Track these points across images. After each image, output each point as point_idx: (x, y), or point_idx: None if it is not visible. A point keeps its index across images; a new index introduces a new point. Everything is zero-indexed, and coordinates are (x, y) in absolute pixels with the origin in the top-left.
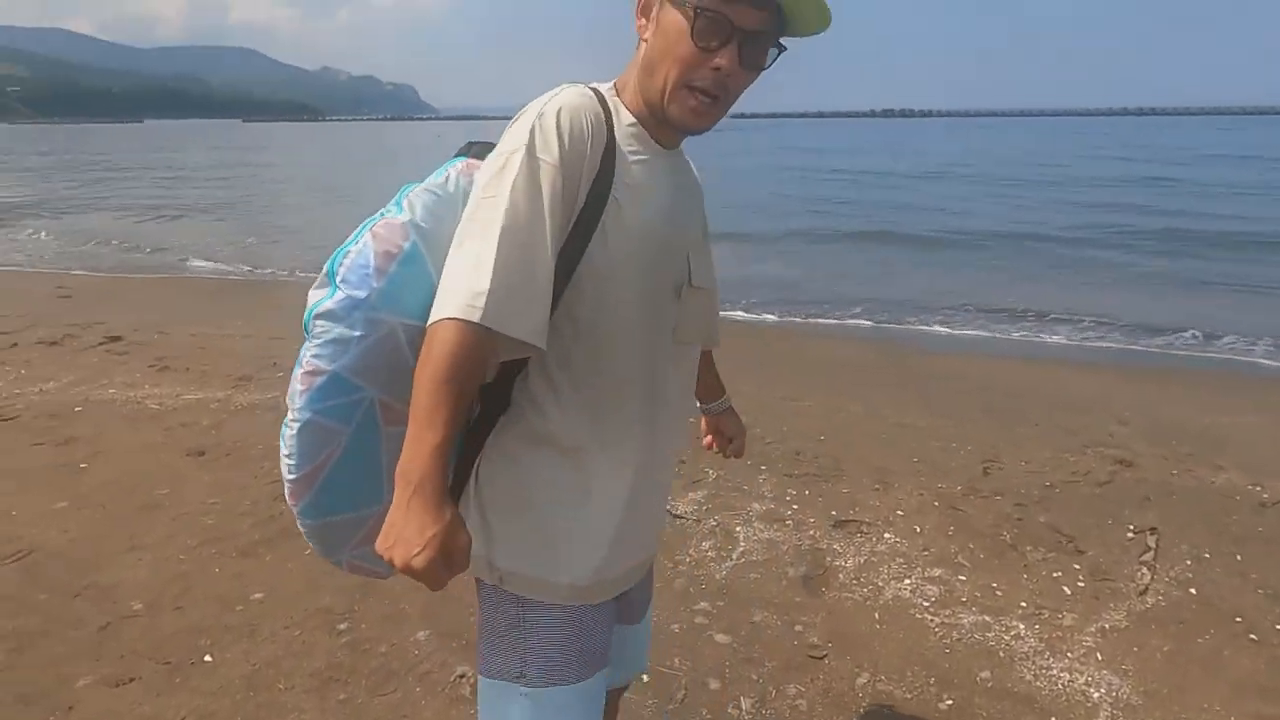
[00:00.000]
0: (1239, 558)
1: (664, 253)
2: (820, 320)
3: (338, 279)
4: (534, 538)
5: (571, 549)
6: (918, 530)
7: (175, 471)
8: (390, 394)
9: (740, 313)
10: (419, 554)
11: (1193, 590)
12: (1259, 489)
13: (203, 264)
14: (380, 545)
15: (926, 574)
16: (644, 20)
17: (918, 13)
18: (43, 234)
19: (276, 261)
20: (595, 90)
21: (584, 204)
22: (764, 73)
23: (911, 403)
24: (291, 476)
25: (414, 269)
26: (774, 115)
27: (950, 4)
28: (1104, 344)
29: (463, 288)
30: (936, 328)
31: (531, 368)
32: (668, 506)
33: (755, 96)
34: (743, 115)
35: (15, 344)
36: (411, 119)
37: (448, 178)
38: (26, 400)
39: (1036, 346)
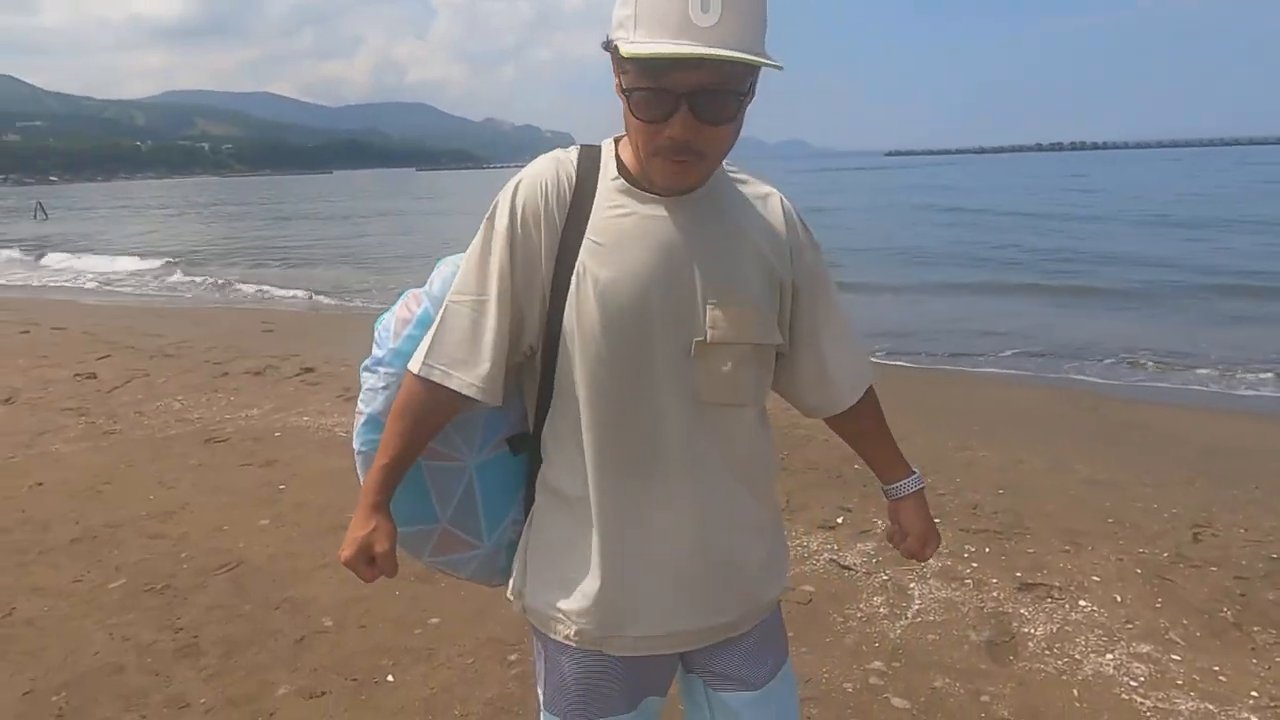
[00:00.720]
0: None
1: (656, 307)
2: (994, 370)
3: (375, 339)
4: (548, 577)
5: (575, 595)
6: (1118, 599)
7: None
8: None
9: (902, 361)
10: (345, 551)
11: None
12: None
13: (381, 305)
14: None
15: (1132, 649)
16: (616, 81)
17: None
18: (235, 277)
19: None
20: (589, 148)
21: (554, 266)
22: (744, 114)
23: (1103, 457)
24: None
25: (423, 330)
26: (942, 152)
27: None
28: None
29: (422, 345)
30: (1124, 375)
31: (546, 420)
32: (833, 557)
33: (913, 135)
34: (910, 153)
35: (226, 373)
36: None
37: None
38: (235, 424)
39: (1249, 400)
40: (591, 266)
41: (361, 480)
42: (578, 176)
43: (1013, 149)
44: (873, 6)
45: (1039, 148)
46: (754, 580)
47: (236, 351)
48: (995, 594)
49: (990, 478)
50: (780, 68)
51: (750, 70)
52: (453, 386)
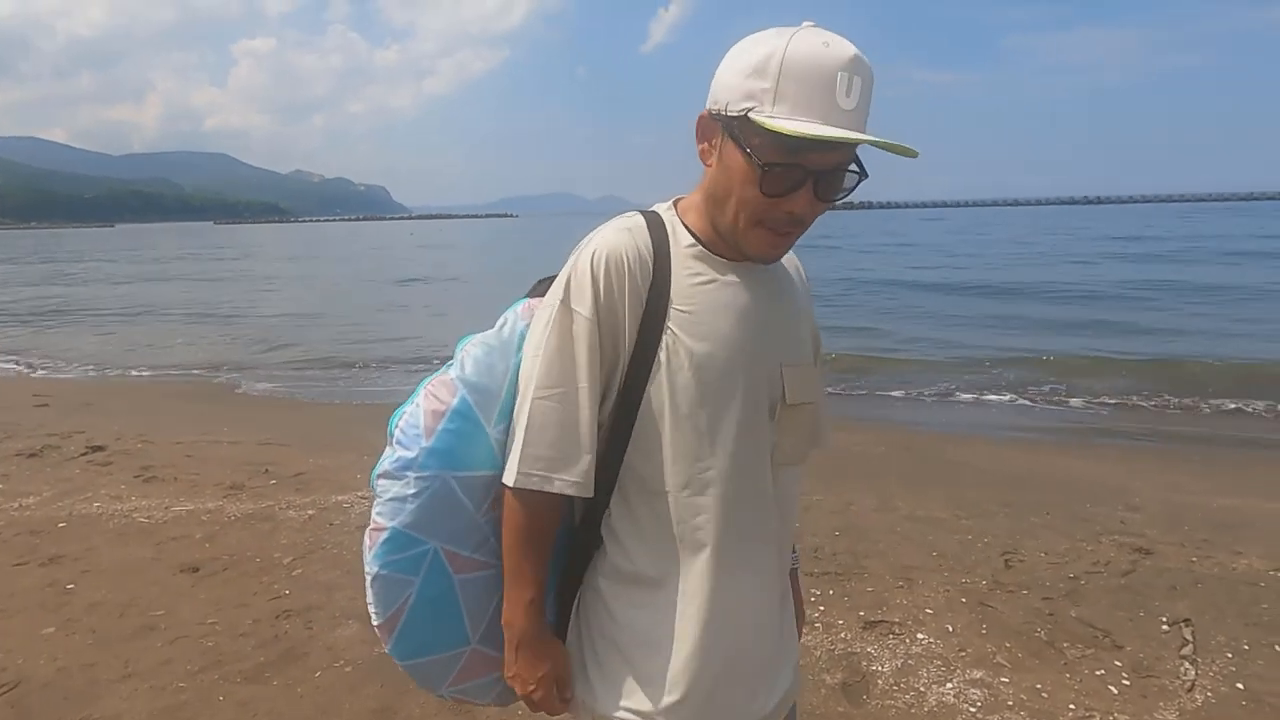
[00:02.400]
0: (1279, 648)
1: (741, 375)
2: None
3: (394, 439)
4: (626, 676)
5: (666, 692)
6: (950, 629)
7: (169, 590)
8: (453, 544)
9: None
10: (535, 690)
11: (1239, 685)
12: None
13: (180, 371)
14: (506, 675)
15: (968, 676)
16: (706, 145)
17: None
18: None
19: (254, 363)
20: (649, 215)
21: (635, 344)
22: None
23: (922, 493)
24: (376, 622)
25: (463, 423)
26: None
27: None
28: (1104, 425)
29: (512, 453)
30: (935, 414)
31: (614, 505)
32: None
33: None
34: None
35: None
36: (384, 218)
37: (504, 323)
38: (7, 516)
39: (1032, 432)
40: (682, 336)
41: (374, 610)
42: (654, 244)
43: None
44: (690, 73)
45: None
46: (794, 642)
47: (5, 431)
48: (844, 634)
49: (827, 521)
50: (915, 154)
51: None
52: (557, 490)
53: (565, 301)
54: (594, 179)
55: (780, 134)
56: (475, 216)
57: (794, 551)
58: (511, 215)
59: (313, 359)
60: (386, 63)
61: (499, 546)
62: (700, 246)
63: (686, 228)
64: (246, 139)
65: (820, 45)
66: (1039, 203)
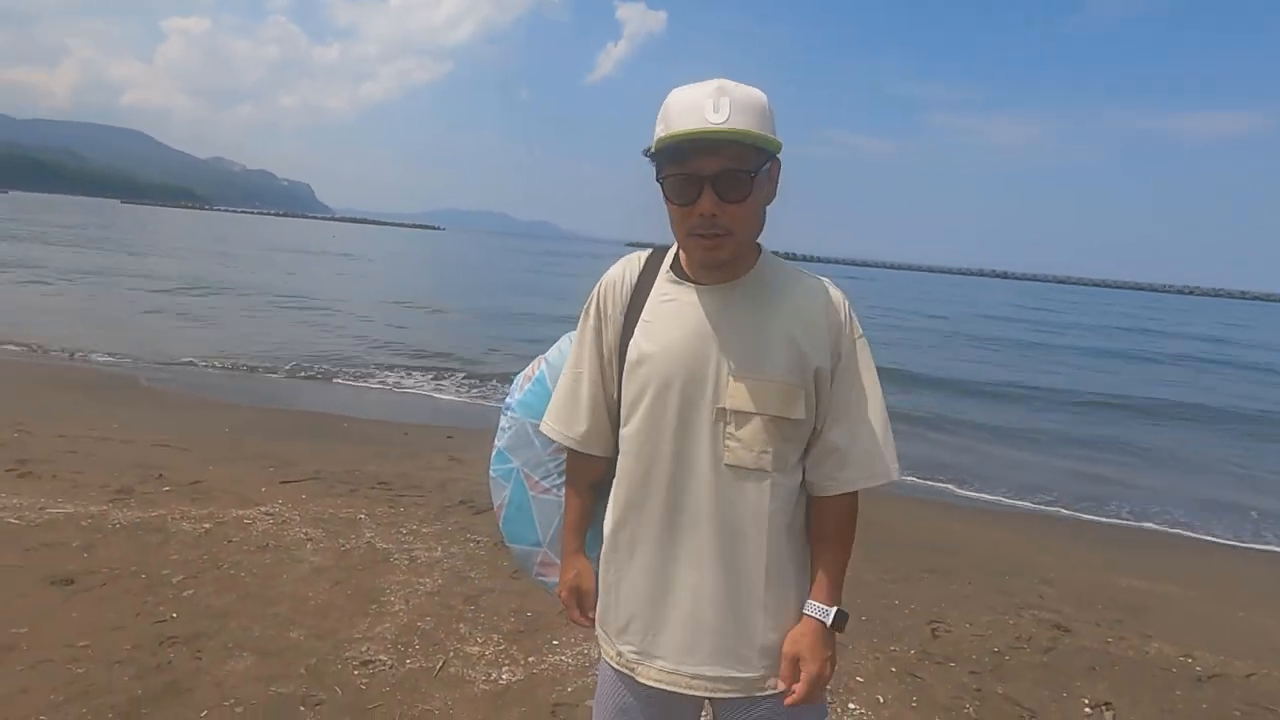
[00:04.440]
0: None
1: (680, 375)
2: None
3: (510, 388)
4: (603, 604)
5: (617, 622)
6: (880, 700)
7: (35, 604)
8: (529, 467)
9: None
10: (561, 591)
11: None
12: (1191, 660)
13: (68, 352)
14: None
15: None
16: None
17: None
18: None
19: (160, 351)
20: (657, 250)
21: (618, 346)
22: (769, 189)
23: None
24: (494, 508)
25: (540, 388)
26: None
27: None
28: (1020, 501)
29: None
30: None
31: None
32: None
33: (658, 229)
34: (652, 245)
35: None
36: (305, 216)
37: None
38: None
39: (957, 499)
40: (639, 341)
41: (492, 495)
42: (641, 272)
43: None
44: (632, 109)
45: None
46: (777, 643)
47: None
48: None
49: None
50: (777, 144)
51: (760, 156)
52: (557, 438)
53: (585, 309)
54: (527, 202)
55: (662, 146)
56: (401, 225)
57: (827, 605)
58: (438, 228)
59: (220, 354)
60: (326, 60)
61: (560, 481)
62: (673, 273)
63: (676, 258)
64: (166, 119)
65: (696, 85)
66: (946, 270)
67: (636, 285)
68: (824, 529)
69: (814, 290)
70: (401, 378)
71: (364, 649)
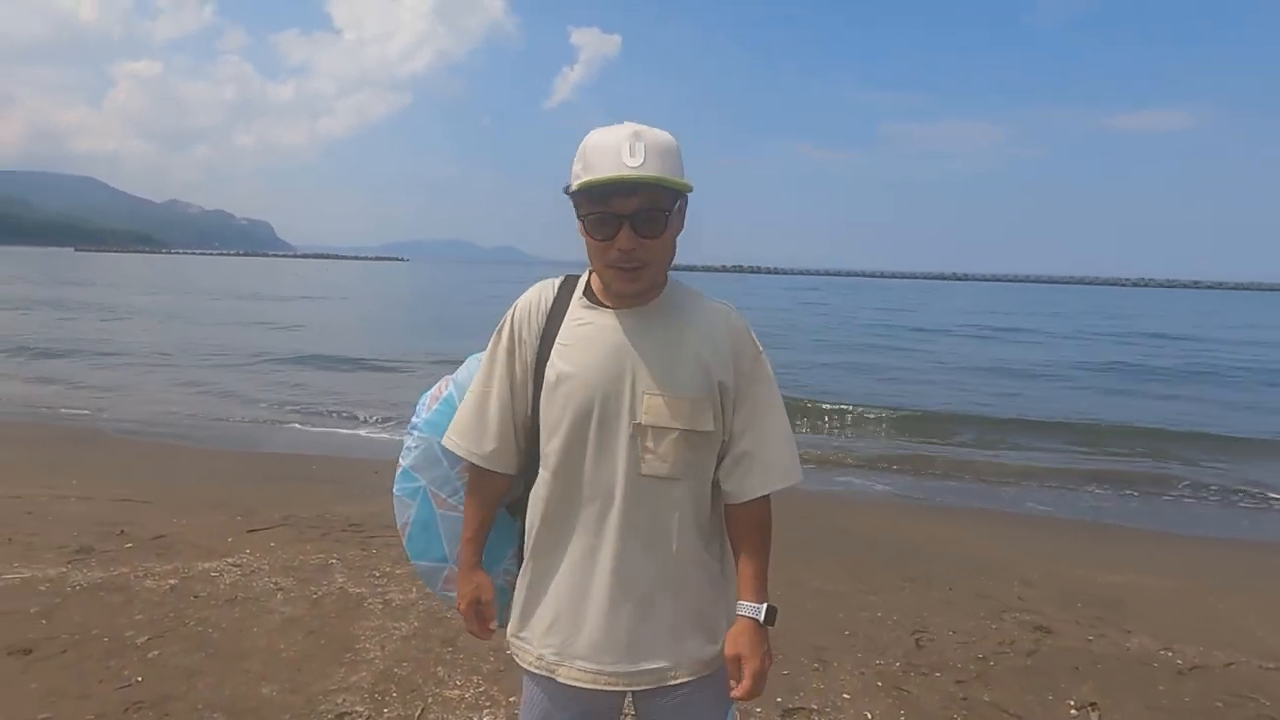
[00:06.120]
0: None
1: (597, 394)
2: None
3: (415, 408)
4: (521, 614)
5: (534, 628)
6: (869, 717)
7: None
8: (435, 485)
9: None
10: (461, 605)
11: None
12: (1171, 654)
13: (21, 408)
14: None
15: None
16: (578, 223)
17: None
18: None
19: (115, 406)
20: (569, 277)
21: (534, 367)
22: (679, 223)
23: (826, 566)
24: (399, 527)
25: (447, 407)
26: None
27: None
28: (998, 506)
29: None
30: (828, 480)
31: (532, 488)
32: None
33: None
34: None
35: None
36: (266, 254)
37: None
38: None
39: (935, 503)
40: (556, 363)
41: (396, 514)
42: (555, 298)
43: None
44: (590, 127)
45: (723, 268)
46: (684, 634)
47: None
48: None
49: None
50: (688, 187)
51: (672, 196)
52: (460, 454)
53: (498, 330)
54: (491, 229)
55: (582, 188)
56: (364, 259)
57: (757, 603)
58: (402, 259)
59: (176, 400)
60: (281, 98)
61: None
62: (586, 298)
63: (588, 284)
64: (119, 164)
65: (613, 128)
66: (907, 276)
67: (551, 310)
68: (743, 532)
69: (717, 313)
70: (365, 417)
71: (339, 700)
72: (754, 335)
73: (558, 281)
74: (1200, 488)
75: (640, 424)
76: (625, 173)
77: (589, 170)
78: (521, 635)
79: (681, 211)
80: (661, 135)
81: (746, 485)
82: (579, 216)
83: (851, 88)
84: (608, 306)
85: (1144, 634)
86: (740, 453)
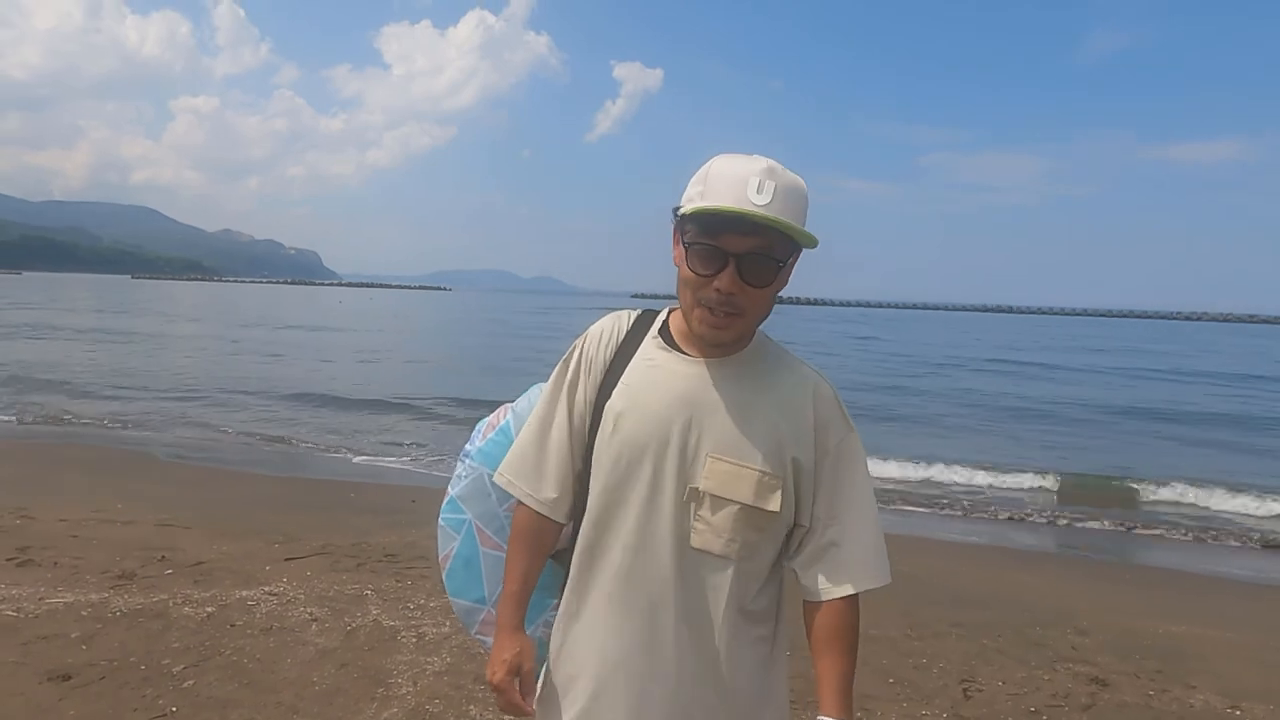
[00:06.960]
0: None
1: (653, 444)
2: None
3: (470, 436)
4: (553, 679)
5: (567, 700)
6: None
7: (31, 703)
8: (483, 521)
9: None
10: (495, 673)
11: None
12: (1239, 713)
13: (72, 428)
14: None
15: None
16: (675, 249)
17: None
18: None
19: (156, 425)
20: (646, 312)
21: (595, 398)
22: (786, 279)
23: (874, 608)
24: (439, 558)
25: (503, 438)
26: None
27: None
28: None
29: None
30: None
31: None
32: None
33: (656, 279)
34: (654, 296)
35: None
36: (313, 283)
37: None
38: None
39: (983, 543)
40: (615, 403)
41: (439, 544)
42: (629, 331)
43: None
44: (630, 164)
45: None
46: None
47: None
48: None
49: None
50: (813, 241)
51: (790, 246)
52: (516, 495)
53: (564, 360)
54: (530, 258)
55: (696, 214)
56: (408, 287)
57: (838, 716)
58: (445, 289)
59: (224, 426)
60: (331, 130)
61: None
62: (661, 338)
63: (665, 323)
64: (175, 195)
65: (745, 158)
66: (951, 308)
67: (622, 344)
68: (825, 636)
69: (804, 379)
70: (409, 447)
71: None
72: (845, 409)
73: (634, 314)
74: (1269, 535)
75: (697, 489)
76: (748, 208)
77: (708, 197)
78: (549, 706)
79: (792, 267)
80: (795, 179)
81: (833, 582)
82: (683, 243)
83: (891, 122)
84: (684, 352)
85: (1209, 690)
86: (825, 544)
